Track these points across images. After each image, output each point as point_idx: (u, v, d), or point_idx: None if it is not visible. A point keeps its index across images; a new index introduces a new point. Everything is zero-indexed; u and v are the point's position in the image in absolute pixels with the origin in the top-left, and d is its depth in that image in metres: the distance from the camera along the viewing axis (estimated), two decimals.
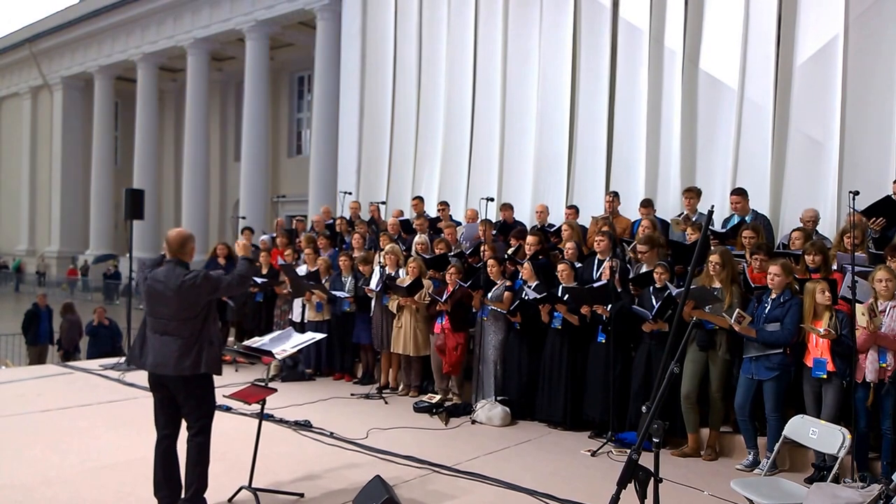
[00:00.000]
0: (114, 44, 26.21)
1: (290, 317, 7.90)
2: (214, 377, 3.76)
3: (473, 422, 5.96)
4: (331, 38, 17.32)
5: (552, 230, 7.41)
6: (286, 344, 4.25)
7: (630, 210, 7.47)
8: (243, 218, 11.92)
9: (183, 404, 3.68)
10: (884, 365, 4.35)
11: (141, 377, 7.37)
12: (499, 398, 6.13)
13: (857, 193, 4.72)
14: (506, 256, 6.73)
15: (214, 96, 25.84)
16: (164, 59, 25.26)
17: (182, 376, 3.58)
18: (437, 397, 6.45)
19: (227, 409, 5.72)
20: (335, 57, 14.20)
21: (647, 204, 6.96)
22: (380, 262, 7.34)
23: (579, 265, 6.20)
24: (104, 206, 27.93)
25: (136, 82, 25.74)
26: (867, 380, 4.39)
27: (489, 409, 5.99)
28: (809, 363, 4.66)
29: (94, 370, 7.88)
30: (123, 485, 4.22)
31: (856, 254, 4.67)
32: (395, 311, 6.89)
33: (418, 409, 6.29)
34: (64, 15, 28.25)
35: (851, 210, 4.77)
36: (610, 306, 5.47)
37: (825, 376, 4.55)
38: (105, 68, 27.13)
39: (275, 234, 9.38)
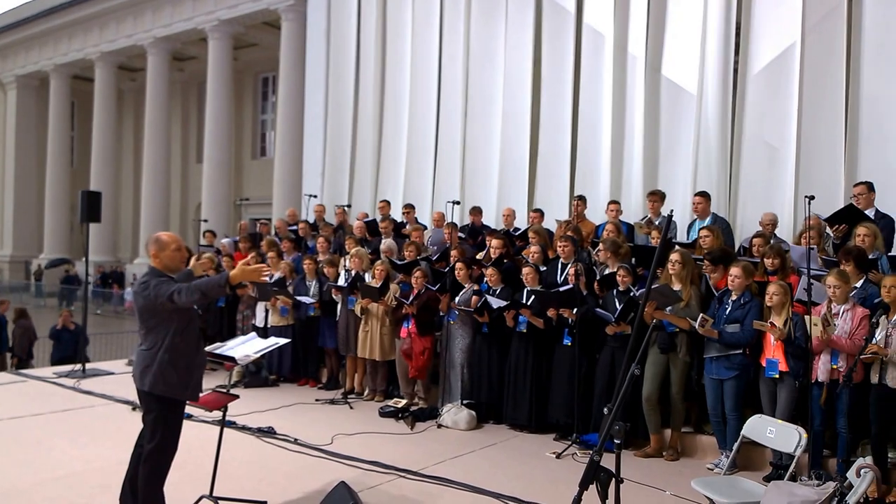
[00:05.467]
0: (71, 42, 25.47)
1: (252, 322, 7.78)
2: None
3: (439, 426, 5.95)
4: (296, 38, 17.12)
5: (517, 234, 7.45)
6: (249, 349, 4.18)
7: (594, 214, 7.56)
8: (205, 221, 11.69)
9: (145, 415, 3.58)
10: (835, 366, 4.46)
11: (96, 385, 7.23)
12: (465, 402, 6.14)
13: (812, 198, 4.86)
14: (472, 260, 6.73)
15: (175, 97, 25.31)
16: (124, 58, 24.64)
17: (142, 391, 3.50)
18: (403, 402, 6.43)
19: (188, 417, 5.57)
20: (300, 58, 14.06)
21: (614, 202, 7.08)
22: (345, 266, 7.29)
23: (544, 268, 6.24)
24: (59, 209, 27.08)
25: (94, 81, 25.07)
26: (819, 380, 4.50)
27: (455, 413, 5.99)
28: (764, 363, 4.76)
29: (48, 378, 7.64)
30: (80, 496, 4.10)
31: (811, 252, 4.78)
32: (360, 315, 6.84)
33: (384, 413, 6.26)
34: (18, 12, 27.33)
35: (807, 214, 4.90)
36: (576, 309, 5.53)
37: (777, 376, 4.66)
38: (61, 67, 26.32)
39: (237, 238, 9.23)
